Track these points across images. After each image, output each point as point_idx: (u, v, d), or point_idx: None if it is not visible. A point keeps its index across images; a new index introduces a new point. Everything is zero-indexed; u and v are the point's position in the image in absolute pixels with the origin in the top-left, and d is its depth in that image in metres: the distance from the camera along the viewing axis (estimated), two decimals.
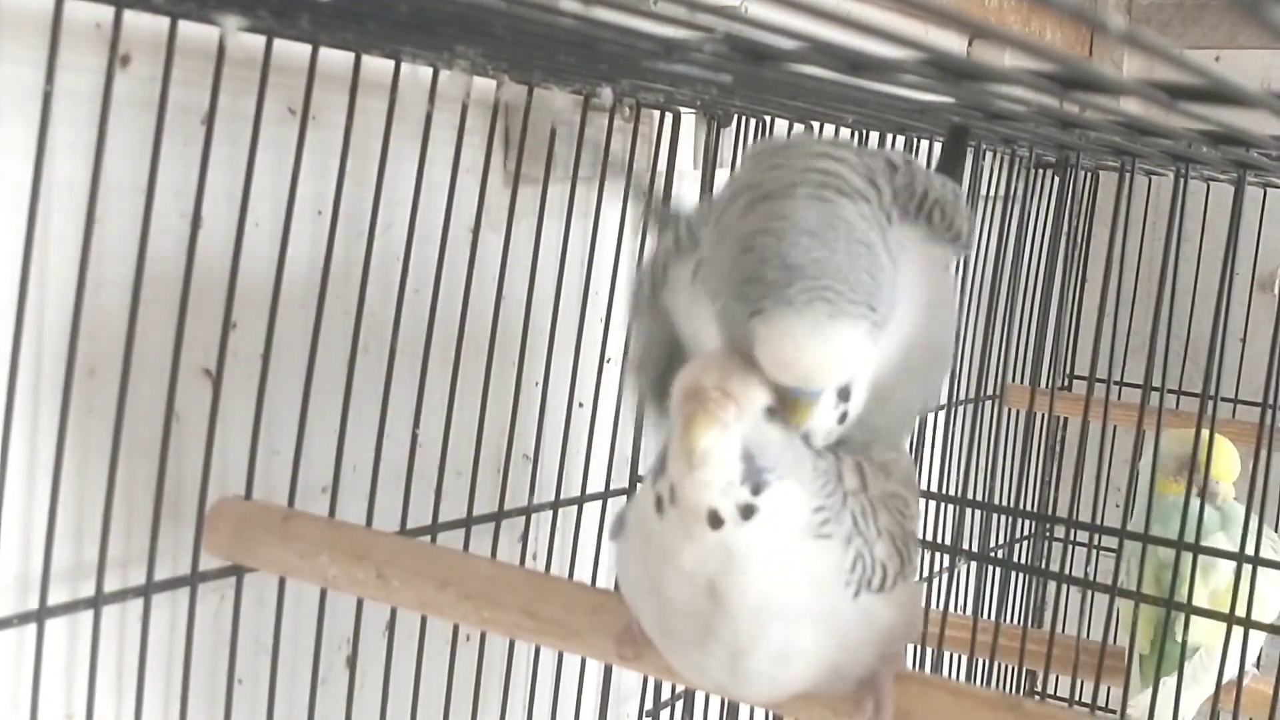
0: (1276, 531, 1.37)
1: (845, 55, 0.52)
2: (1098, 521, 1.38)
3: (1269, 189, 1.37)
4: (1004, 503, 1.54)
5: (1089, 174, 1.67)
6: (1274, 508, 1.46)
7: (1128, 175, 1.16)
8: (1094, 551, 1.60)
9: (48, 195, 0.67)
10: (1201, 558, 1.15)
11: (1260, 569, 1.08)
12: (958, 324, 0.66)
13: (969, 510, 1.37)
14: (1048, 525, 1.76)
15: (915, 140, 1.21)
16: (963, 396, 1.44)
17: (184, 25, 0.67)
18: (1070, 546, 1.62)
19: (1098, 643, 1.22)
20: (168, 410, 0.72)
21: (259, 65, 0.71)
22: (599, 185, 0.99)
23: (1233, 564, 1.07)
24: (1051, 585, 1.68)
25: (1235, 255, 1.02)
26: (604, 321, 1.04)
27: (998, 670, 1.60)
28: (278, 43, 0.72)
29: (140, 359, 0.70)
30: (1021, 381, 1.56)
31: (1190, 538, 1.11)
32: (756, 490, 0.52)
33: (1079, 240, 1.69)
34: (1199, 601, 1.13)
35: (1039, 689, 1.61)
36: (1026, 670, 1.57)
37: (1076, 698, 1.54)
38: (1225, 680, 1.14)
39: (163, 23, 0.67)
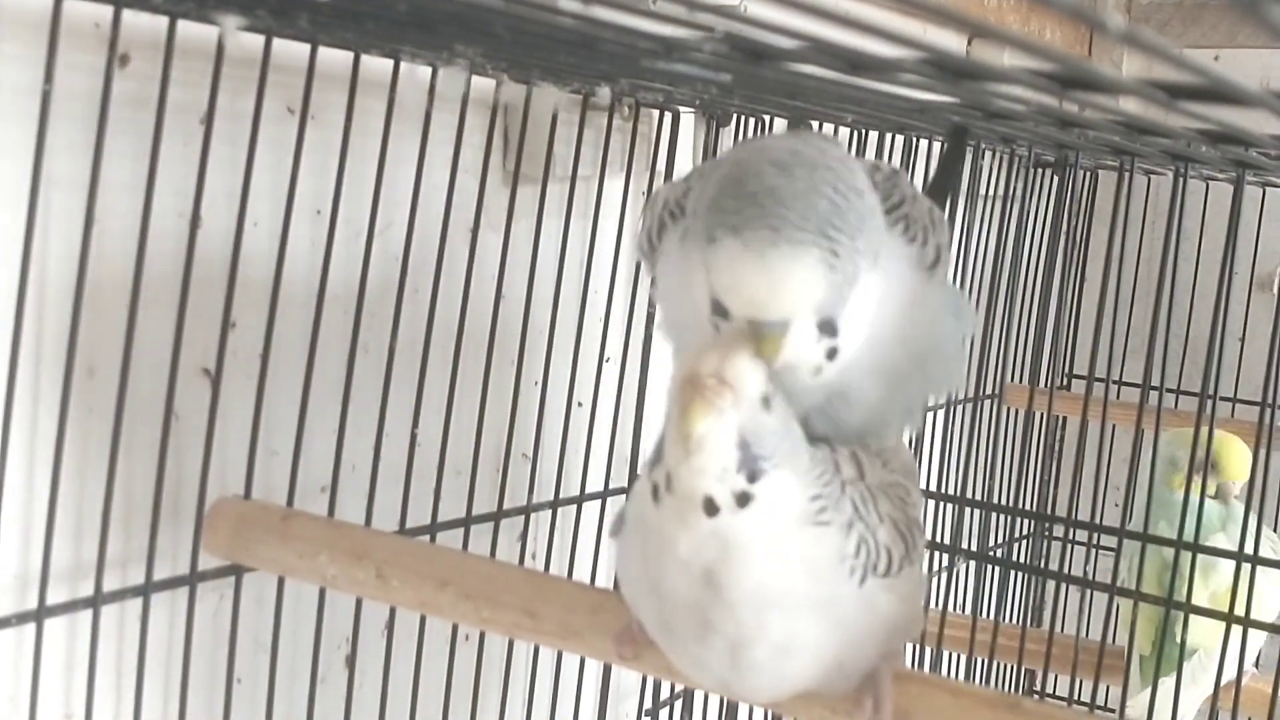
0: (1276, 531, 1.37)
1: (844, 54, 0.52)
2: (1097, 521, 1.38)
3: (1268, 188, 1.37)
4: (1003, 502, 1.54)
5: (1088, 173, 1.67)
6: (1273, 507, 1.47)
7: (1127, 174, 1.16)
8: (1093, 551, 1.60)
9: (47, 195, 0.67)
10: (1203, 560, 1.15)
11: (1260, 569, 1.08)
12: (951, 331, 0.66)
13: (968, 509, 1.37)
14: (1047, 524, 1.76)
15: (915, 140, 1.21)
16: (961, 396, 1.44)
17: (183, 24, 0.67)
18: (1069, 546, 1.62)
19: (1096, 642, 1.23)
20: (167, 410, 0.72)
21: (258, 64, 0.71)
22: (598, 185, 0.99)
23: (1233, 566, 1.07)
24: (1050, 584, 1.68)
25: (1234, 254, 1.02)
26: (603, 321, 1.04)
27: (997, 669, 1.60)
28: (277, 42, 0.72)
29: (139, 358, 0.70)
30: (1020, 381, 1.56)
31: (1192, 536, 1.11)
32: (752, 478, 0.52)
33: (1078, 239, 1.69)
34: (1199, 603, 1.13)
35: (1038, 688, 1.61)
36: (1025, 669, 1.58)
37: (1075, 697, 1.54)
38: (1225, 680, 1.14)
39: (161, 22, 0.67)
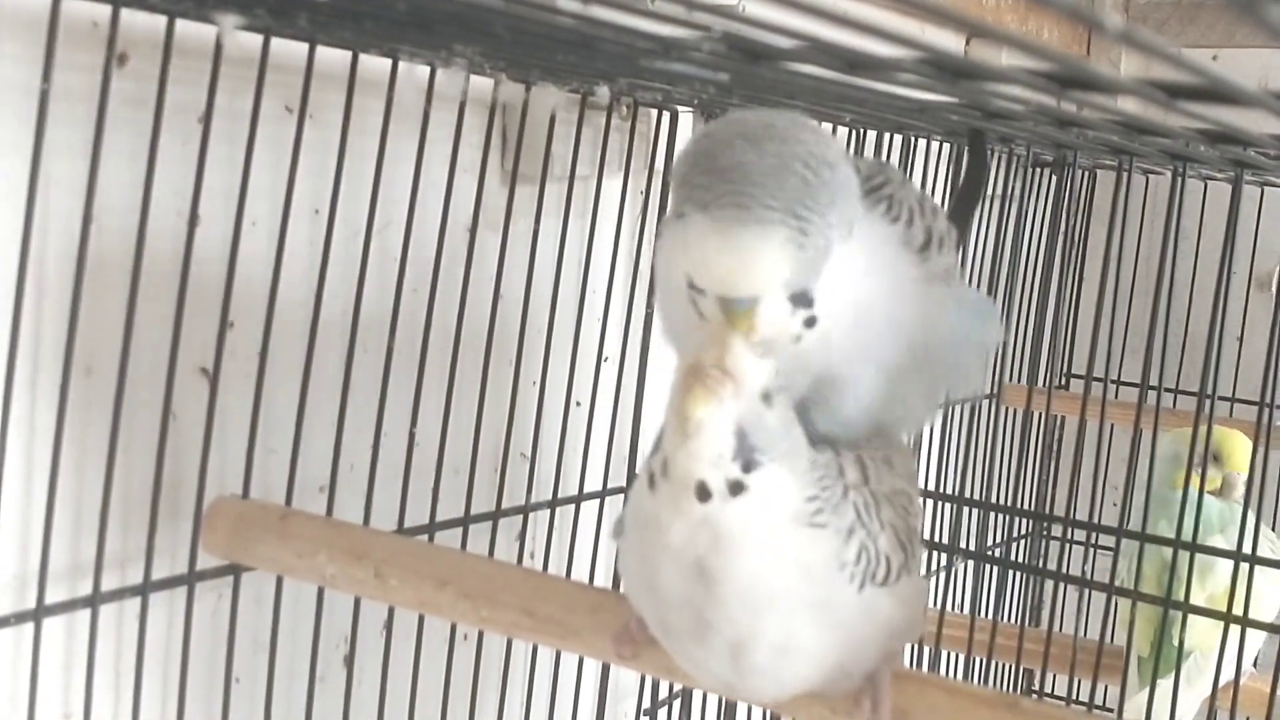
0: (1275, 530, 1.37)
1: (843, 54, 0.52)
2: (1095, 520, 1.38)
3: (1266, 187, 1.37)
4: (1001, 501, 1.54)
5: (1086, 172, 1.67)
6: (1271, 506, 1.47)
7: (1125, 174, 1.16)
8: (1091, 550, 1.60)
9: (45, 194, 0.67)
10: (1201, 562, 1.15)
11: (1258, 568, 1.08)
12: (966, 330, 0.65)
13: (966, 509, 1.37)
14: (1045, 524, 1.76)
15: (914, 140, 1.21)
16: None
17: (181, 24, 0.67)
18: (1067, 545, 1.62)
19: (1095, 641, 1.23)
20: (165, 409, 0.72)
21: (256, 64, 0.71)
22: (597, 184, 0.99)
23: (1231, 570, 1.07)
24: (1049, 584, 1.68)
25: (1233, 254, 1.02)
26: (601, 320, 1.04)
27: (995, 669, 1.60)
28: (275, 41, 0.72)
29: (137, 358, 0.70)
30: (1019, 380, 1.56)
31: (1191, 536, 1.11)
32: (747, 468, 0.53)
33: (1076, 239, 1.69)
34: (1196, 605, 1.13)
35: (1036, 688, 1.61)
36: (1024, 669, 1.58)
37: (1074, 696, 1.54)
38: (1224, 681, 1.14)
39: (160, 21, 0.67)
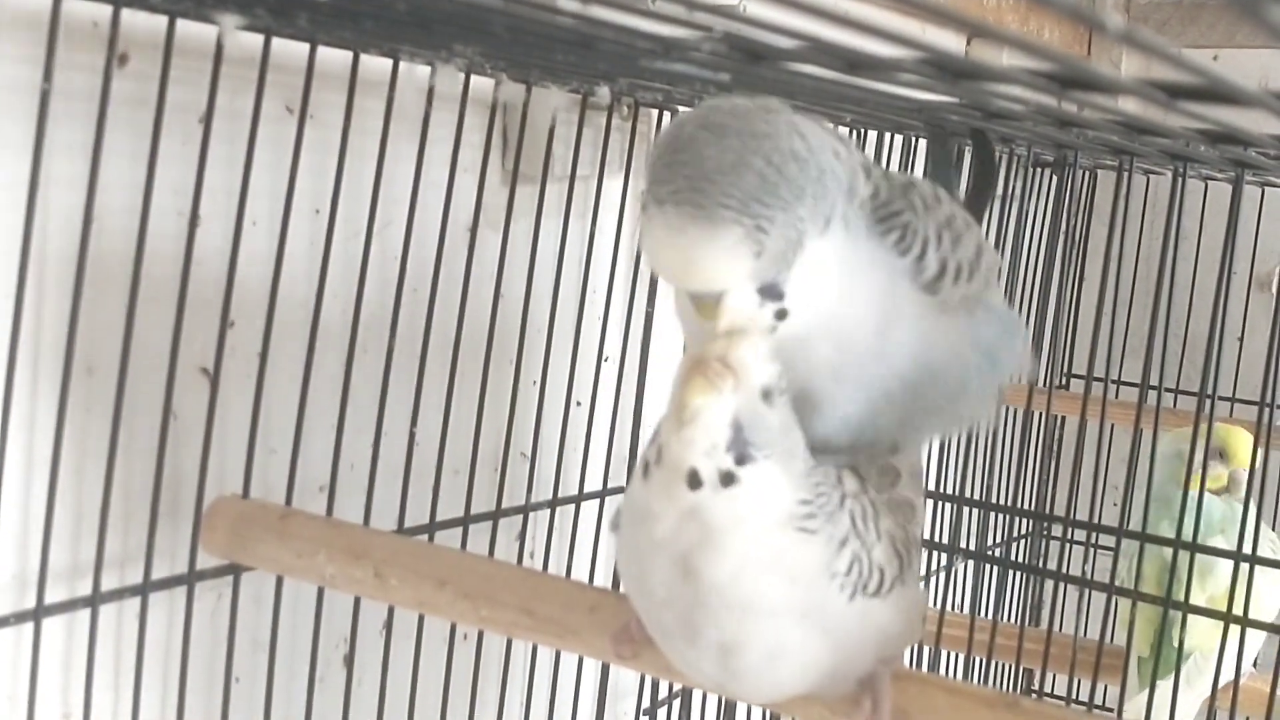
0: (1275, 530, 1.37)
1: (843, 54, 0.52)
2: (1095, 520, 1.38)
3: (1267, 188, 1.37)
4: (1001, 501, 1.54)
5: (1087, 173, 1.67)
6: (1272, 506, 1.47)
7: (1126, 174, 1.16)
8: (1091, 550, 1.60)
9: (45, 194, 0.67)
10: (1201, 563, 1.15)
11: (1259, 568, 1.08)
12: (974, 366, 0.64)
13: (966, 509, 1.37)
14: (1045, 524, 1.76)
15: (914, 140, 1.21)
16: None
17: (182, 24, 0.67)
18: (1067, 545, 1.62)
19: (1095, 641, 1.23)
20: (165, 409, 0.72)
21: (257, 64, 0.71)
22: (597, 184, 0.99)
23: (1231, 572, 1.07)
24: (1049, 584, 1.68)
25: (1233, 254, 1.02)
26: (602, 320, 1.04)
27: (995, 669, 1.60)
28: (276, 41, 0.72)
29: (138, 357, 0.70)
30: (1019, 380, 1.55)
31: (1192, 537, 1.11)
32: (740, 461, 0.53)
33: (1077, 239, 1.69)
34: (1197, 605, 1.13)
35: (1036, 687, 1.61)
36: (1024, 669, 1.58)
37: (1074, 696, 1.54)
38: (1223, 682, 1.14)
39: (160, 21, 0.67)
